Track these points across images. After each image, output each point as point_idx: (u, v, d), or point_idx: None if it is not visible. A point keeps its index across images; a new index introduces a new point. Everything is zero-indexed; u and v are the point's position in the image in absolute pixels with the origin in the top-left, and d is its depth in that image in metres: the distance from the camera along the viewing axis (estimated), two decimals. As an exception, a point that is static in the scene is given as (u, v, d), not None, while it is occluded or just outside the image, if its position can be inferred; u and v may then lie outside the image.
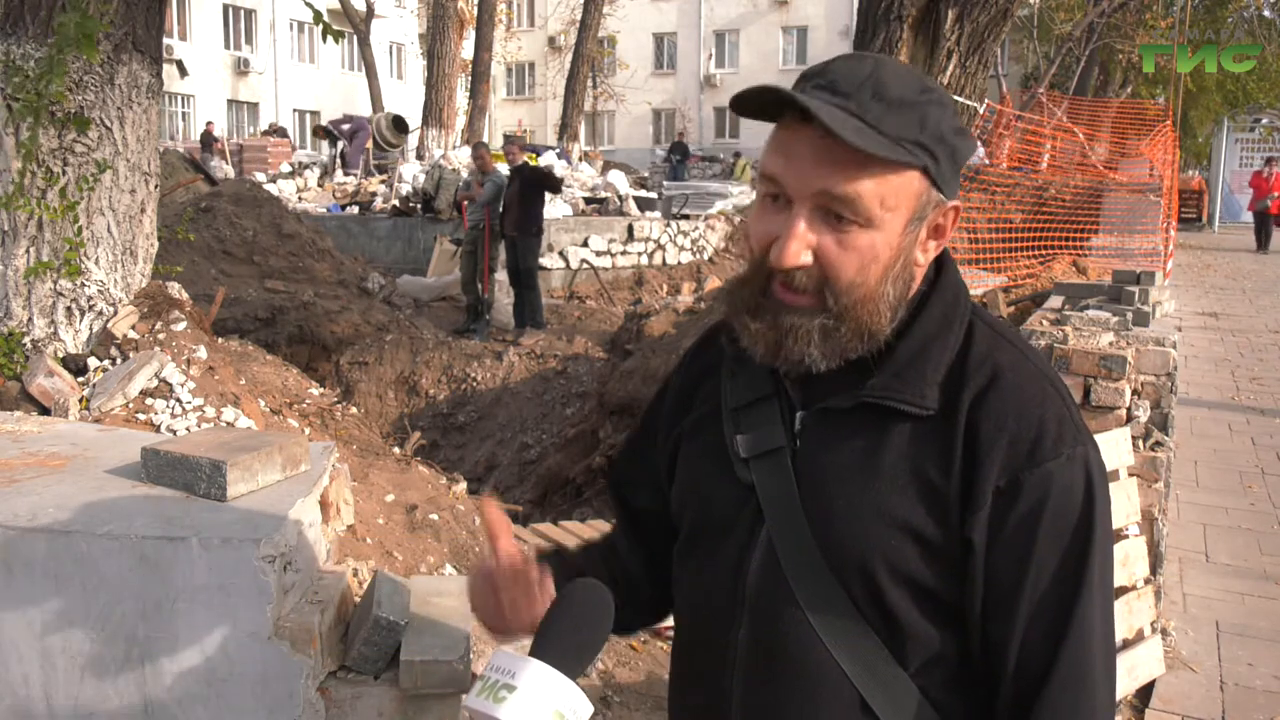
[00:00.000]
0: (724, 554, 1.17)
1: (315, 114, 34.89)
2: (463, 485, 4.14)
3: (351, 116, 19.68)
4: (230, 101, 33.06)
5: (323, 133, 19.77)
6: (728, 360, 1.23)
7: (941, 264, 1.18)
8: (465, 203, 11.69)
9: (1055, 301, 6.14)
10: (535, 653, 1.01)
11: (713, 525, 1.20)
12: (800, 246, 1.06)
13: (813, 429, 1.14)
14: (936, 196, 1.09)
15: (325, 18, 3.70)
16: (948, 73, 4.39)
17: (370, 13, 23.40)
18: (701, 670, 1.21)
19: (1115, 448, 3.57)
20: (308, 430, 3.99)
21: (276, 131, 26.58)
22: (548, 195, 12.20)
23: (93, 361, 3.38)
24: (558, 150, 20.08)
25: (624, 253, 14.96)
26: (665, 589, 1.32)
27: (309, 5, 3.64)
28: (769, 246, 1.08)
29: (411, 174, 16.18)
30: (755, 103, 1.07)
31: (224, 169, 19.45)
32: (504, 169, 11.84)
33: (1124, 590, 3.49)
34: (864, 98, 1.04)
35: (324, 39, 3.66)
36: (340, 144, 19.01)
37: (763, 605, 1.13)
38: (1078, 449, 1.07)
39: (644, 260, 15.14)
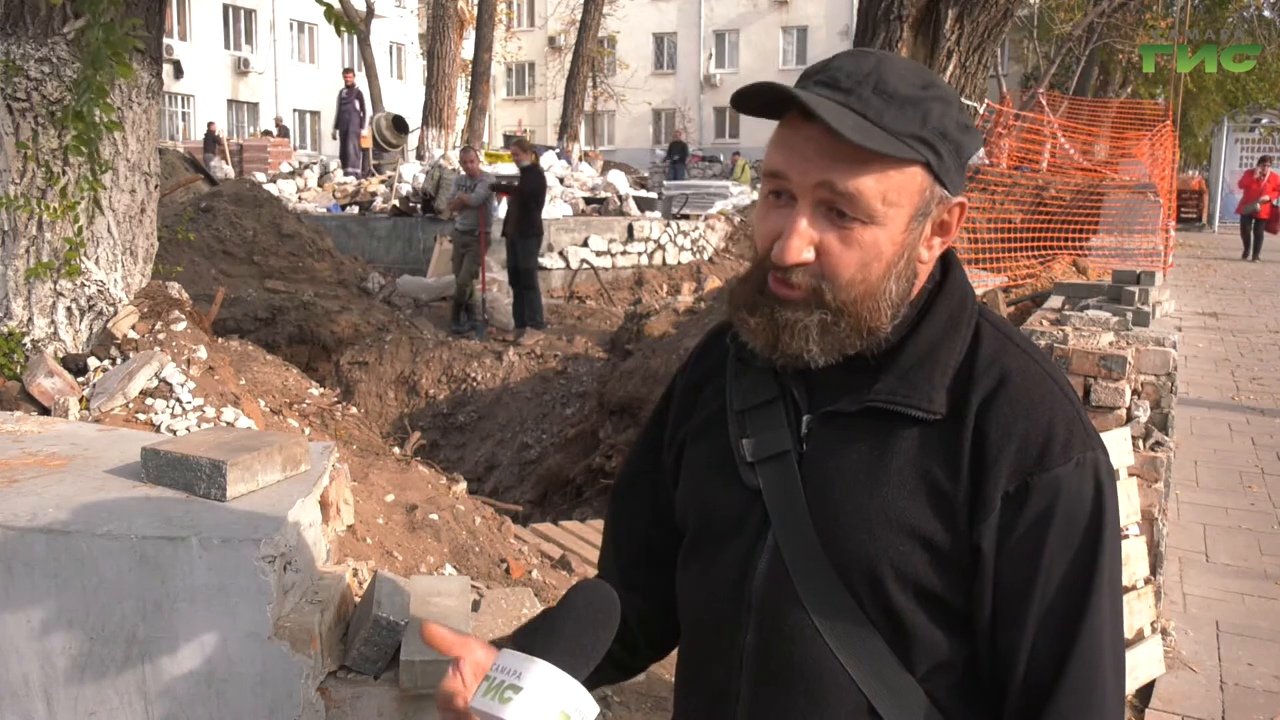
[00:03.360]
0: (729, 558, 1.16)
1: (315, 114, 34.86)
2: (463, 485, 4.13)
3: (348, 100, 19.61)
4: (230, 101, 33.06)
5: (353, 77, 19.88)
6: (732, 362, 1.22)
7: (948, 264, 1.17)
8: (457, 210, 11.53)
9: (1055, 301, 6.15)
10: (541, 653, 1.00)
11: (718, 529, 1.19)
12: (803, 243, 1.06)
13: (819, 433, 1.13)
14: (940, 192, 1.09)
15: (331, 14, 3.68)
16: (948, 73, 4.39)
17: (370, 13, 23.35)
18: (707, 674, 1.20)
19: (1115, 448, 3.57)
20: (308, 430, 3.99)
21: (279, 129, 26.59)
22: (547, 196, 12.15)
23: (93, 361, 3.38)
24: (558, 150, 20.07)
25: (624, 253, 14.96)
26: (663, 630, 1.31)
27: (319, 1, 3.63)
28: (772, 243, 1.08)
29: (411, 174, 16.15)
30: (757, 100, 1.06)
31: (224, 169, 19.43)
32: (507, 169, 11.79)
33: (1124, 590, 3.49)
34: (865, 93, 1.04)
35: (338, 33, 3.65)
36: (347, 109, 19.08)
37: (769, 610, 1.12)
38: (1087, 453, 1.06)
39: (644, 260, 15.13)
